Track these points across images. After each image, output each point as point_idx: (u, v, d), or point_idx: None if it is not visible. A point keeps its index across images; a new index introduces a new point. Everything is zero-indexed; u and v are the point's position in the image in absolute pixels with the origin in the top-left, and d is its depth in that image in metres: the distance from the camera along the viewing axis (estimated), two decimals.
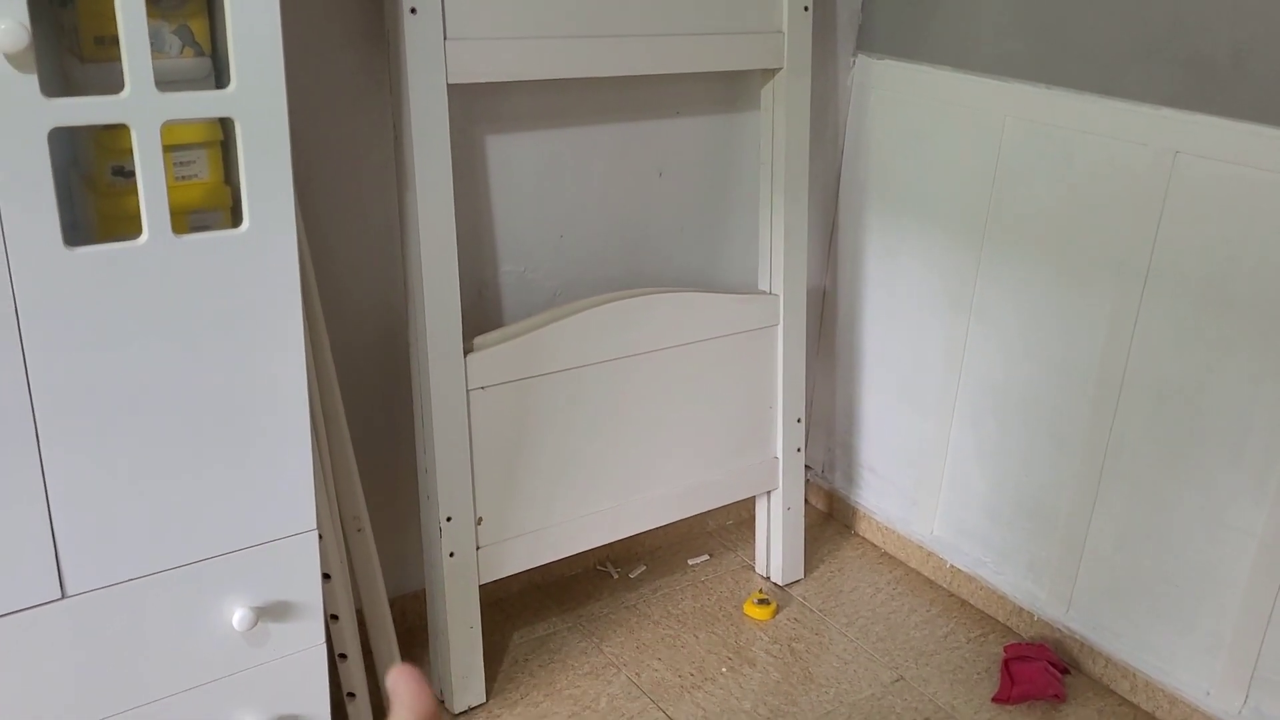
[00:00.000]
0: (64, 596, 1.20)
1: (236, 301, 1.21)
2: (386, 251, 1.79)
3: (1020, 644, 1.98)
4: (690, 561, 2.30)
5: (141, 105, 1.09)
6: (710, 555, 2.32)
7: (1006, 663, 1.94)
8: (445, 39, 1.57)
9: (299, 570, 1.36)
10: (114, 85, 1.09)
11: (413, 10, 1.53)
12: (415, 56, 1.55)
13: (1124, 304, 1.81)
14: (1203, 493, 1.75)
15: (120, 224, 1.24)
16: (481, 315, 1.91)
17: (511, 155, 1.85)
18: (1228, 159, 1.63)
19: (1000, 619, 2.13)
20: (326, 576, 1.60)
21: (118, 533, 1.21)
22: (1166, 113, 1.70)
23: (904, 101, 2.13)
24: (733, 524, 2.44)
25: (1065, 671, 1.97)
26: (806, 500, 2.54)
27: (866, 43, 2.20)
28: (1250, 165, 1.61)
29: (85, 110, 1.07)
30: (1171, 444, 1.78)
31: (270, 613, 1.34)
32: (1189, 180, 1.69)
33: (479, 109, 1.79)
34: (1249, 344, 1.65)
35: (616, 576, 2.23)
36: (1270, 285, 1.62)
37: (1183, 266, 1.72)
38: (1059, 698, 1.90)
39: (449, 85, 1.59)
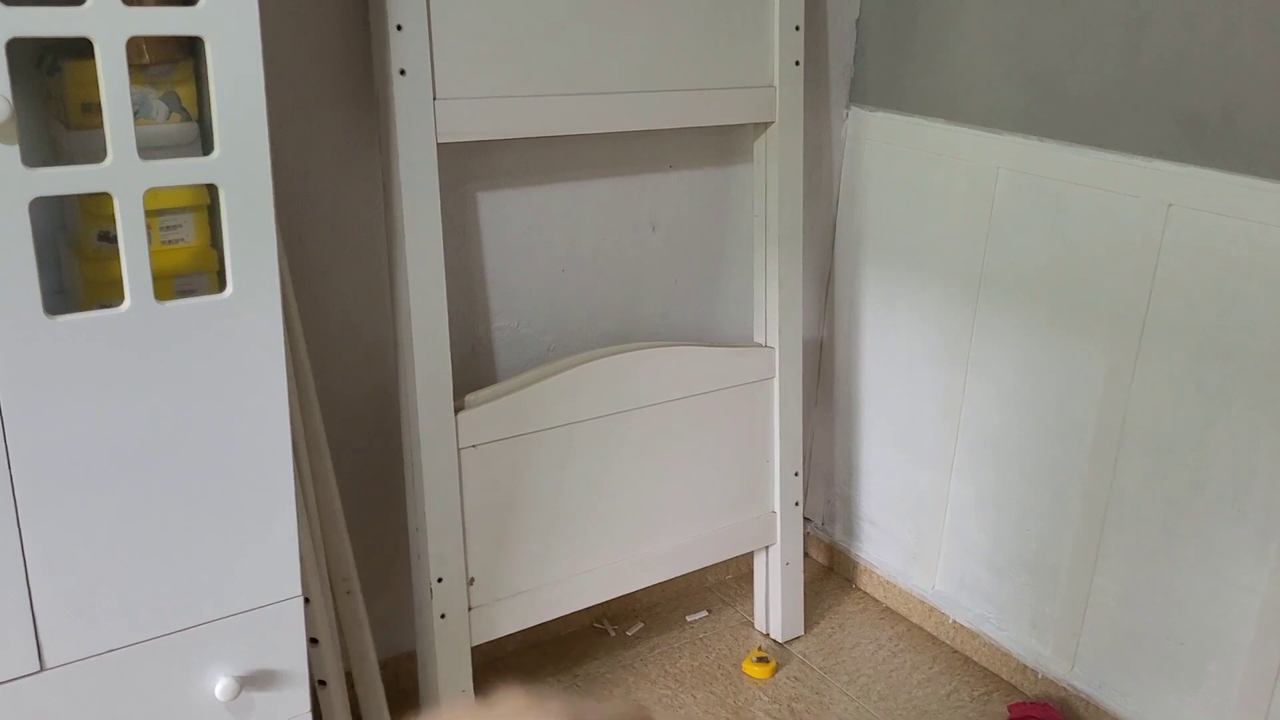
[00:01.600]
0: (43, 669, 1.18)
1: (220, 366, 1.20)
2: (377, 310, 1.78)
3: (1025, 703, 1.95)
4: (689, 618, 2.26)
5: (123, 174, 1.08)
6: (709, 611, 2.29)
7: None
8: (435, 99, 1.57)
9: (284, 637, 1.33)
10: (101, 152, 1.09)
11: (402, 71, 1.53)
12: (405, 117, 1.55)
13: (1121, 356, 1.79)
14: (1205, 549, 1.72)
15: (106, 289, 1.24)
16: (475, 371, 1.90)
17: (504, 211, 1.85)
18: (1221, 211, 1.62)
19: (1004, 676, 2.09)
20: (314, 641, 1.57)
21: (98, 603, 1.19)
22: (1159, 165, 1.69)
23: (898, 153, 2.13)
24: (732, 578, 2.41)
25: None
26: (806, 554, 2.51)
27: (859, 95, 2.21)
28: (1243, 217, 1.60)
29: (67, 180, 1.07)
30: (1172, 498, 1.75)
31: (254, 681, 1.32)
32: (1183, 232, 1.68)
33: (470, 166, 1.79)
34: (1247, 397, 1.63)
35: (614, 634, 2.20)
36: (1267, 337, 1.60)
37: (1179, 318, 1.71)
38: None
39: (439, 144, 1.59)
